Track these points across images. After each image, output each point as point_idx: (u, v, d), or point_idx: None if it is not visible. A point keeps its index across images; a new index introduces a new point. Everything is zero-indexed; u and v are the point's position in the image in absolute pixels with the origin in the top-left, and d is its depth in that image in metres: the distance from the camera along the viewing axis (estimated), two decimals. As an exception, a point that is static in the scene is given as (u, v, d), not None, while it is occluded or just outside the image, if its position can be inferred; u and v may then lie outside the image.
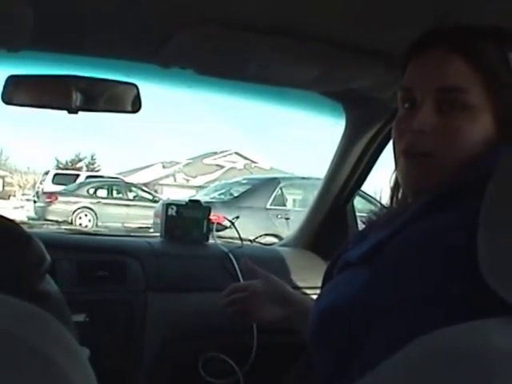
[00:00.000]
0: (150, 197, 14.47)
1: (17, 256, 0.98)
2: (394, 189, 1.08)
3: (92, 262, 1.72)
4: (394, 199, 1.08)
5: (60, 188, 14.82)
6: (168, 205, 1.96)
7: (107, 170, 25.43)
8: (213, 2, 1.18)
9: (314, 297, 1.46)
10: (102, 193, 14.49)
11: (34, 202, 15.16)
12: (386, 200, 1.14)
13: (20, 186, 26.10)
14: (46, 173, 17.40)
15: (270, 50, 1.36)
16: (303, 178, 8.24)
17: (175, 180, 22.42)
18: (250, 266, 1.50)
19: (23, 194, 23.32)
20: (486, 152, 0.90)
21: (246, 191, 8.36)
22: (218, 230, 2.03)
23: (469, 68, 0.91)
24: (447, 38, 0.94)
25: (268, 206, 7.96)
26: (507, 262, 0.62)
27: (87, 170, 24.49)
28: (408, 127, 0.95)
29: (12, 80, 1.45)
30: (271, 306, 1.39)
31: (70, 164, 27.51)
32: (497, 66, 0.92)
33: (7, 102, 1.46)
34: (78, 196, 13.58)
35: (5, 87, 1.44)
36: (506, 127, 0.92)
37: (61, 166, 26.53)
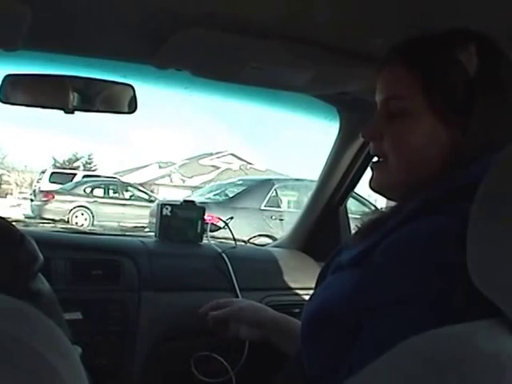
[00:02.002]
0: (146, 196, 14.44)
1: (9, 255, 0.98)
2: None
3: (86, 260, 1.72)
4: (390, 202, 1.11)
5: (57, 187, 14.79)
6: (163, 205, 1.97)
7: (104, 169, 25.38)
8: (209, 5, 1.19)
9: (306, 297, 1.47)
10: (99, 192, 14.46)
11: (31, 200, 15.11)
12: (381, 202, 1.18)
13: (17, 185, 26.00)
14: (43, 171, 17.35)
15: (265, 52, 1.37)
16: (297, 180, 8.26)
17: (171, 180, 22.36)
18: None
19: (20, 193, 23.25)
20: (437, 154, 0.95)
21: (240, 192, 8.37)
22: (212, 231, 2.04)
23: (408, 75, 0.97)
24: (398, 51, 1.01)
25: (262, 207, 7.96)
26: (496, 265, 0.63)
27: (84, 170, 24.41)
28: (365, 136, 1.08)
29: (9, 79, 1.45)
30: (247, 328, 1.47)
31: (67, 163, 27.41)
32: (442, 68, 0.95)
33: (4, 100, 1.46)
34: (74, 195, 13.55)
35: (1, 86, 1.44)
36: (459, 129, 0.94)
37: (58, 164, 26.44)
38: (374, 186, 1.06)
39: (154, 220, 2.09)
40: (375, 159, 1.06)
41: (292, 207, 8.54)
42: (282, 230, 6.56)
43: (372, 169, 1.06)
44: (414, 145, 0.96)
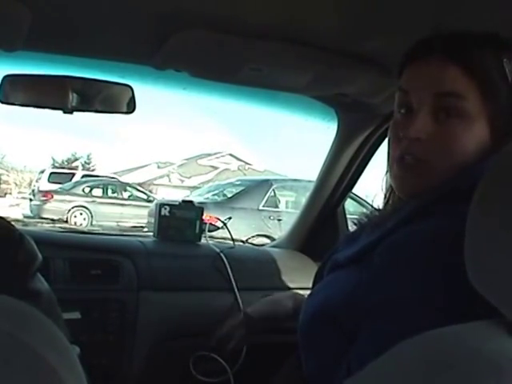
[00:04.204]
0: (145, 196, 14.43)
1: (8, 254, 0.98)
2: (388, 192, 1.09)
3: (85, 260, 1.72)
4: (390, 202, 1.08)
5: (56, 187, 14.77)
6: (161, 205, 1.97)
7: (103, 169, 25.34)
8: (208, 6, 1.19)
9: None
10: (98, 192, 14.45)
11: (30, 200, 15.09)
12: (378, 203, 1.14)
13: (16, 184, 25.96)
14: (42, 171, 17.32)
15: (264, 54, 1.37)
16: (295, 180, 8.26)
17: (170, 180, 22.32)
18: None
19: (19, 192, 23.20)
20: (479, 159, 0.90)
21: (239, 192, 8.37)
22: (210, 231, 2.04)
23: (465, 75, 0.91)
24: (444, 44, 0.94)
25: (261, 208, 7.97)
26: (494, 266, 0.63)
27: (83, 169, 24.36)
28: (404, 134, 0.94)
29: (8, 79, 1.45)
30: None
31: (65, 163, 27.36)
32: (493, 73, 0.92)
33: (3, 101, 1.46)
34: (73, 195, 13.54)
35: (1, 86, 1.44)
36: (501, 135, 0.92)
37: (57, 164, 26.40)
38: (414, 191, 0.95)
39: (152, 220, 2.09)
40: (406, 160, 0.95)
41: (290, 207, 8.53)
42: (280, 231, 6.57)
43: (400, 171, 0.96)
44: (466, 148, 0.91)
